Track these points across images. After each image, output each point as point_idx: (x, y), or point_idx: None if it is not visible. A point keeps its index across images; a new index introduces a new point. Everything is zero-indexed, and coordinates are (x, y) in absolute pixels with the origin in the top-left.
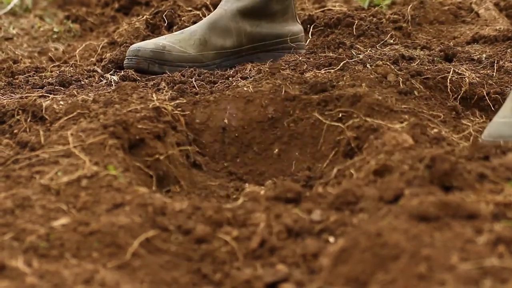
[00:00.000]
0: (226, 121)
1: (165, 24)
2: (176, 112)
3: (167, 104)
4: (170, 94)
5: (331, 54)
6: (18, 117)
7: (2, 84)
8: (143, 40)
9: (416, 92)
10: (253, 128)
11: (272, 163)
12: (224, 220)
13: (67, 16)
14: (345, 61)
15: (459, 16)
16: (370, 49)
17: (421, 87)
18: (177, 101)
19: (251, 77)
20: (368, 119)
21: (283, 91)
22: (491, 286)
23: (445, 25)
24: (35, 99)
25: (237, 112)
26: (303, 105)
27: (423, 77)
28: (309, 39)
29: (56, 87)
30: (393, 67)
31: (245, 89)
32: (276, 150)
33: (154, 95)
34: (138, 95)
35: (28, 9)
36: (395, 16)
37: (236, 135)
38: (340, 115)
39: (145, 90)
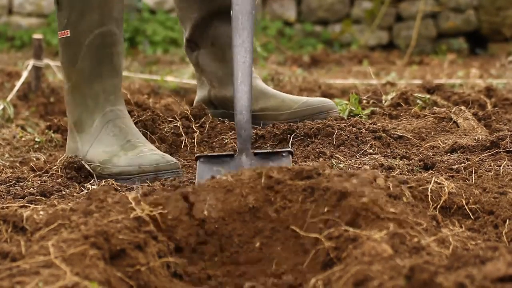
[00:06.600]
0: (205, 212)
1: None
2: (151, 209)
3: (140, 200)
4: (142, 191)
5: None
6: None
7: None
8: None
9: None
10: (233, 219)
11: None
12: None
13: (49, 126)
14: None
15: (438, 125)
16: (350, 158)
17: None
18: (152, 197)
19: None
20: (348, 228)
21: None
22: None
23: (425, 135)
24: (16, 210)
25: (216, 203)
26: (288, 191)
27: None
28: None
29: (37, 197)
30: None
31: (224, 178)
32: (258, 243)
33: (128, 196)
34: (112, 199)
35: (10, 119)
36: (375, 126)
37: (216, 226)
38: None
39: (118, 193)
